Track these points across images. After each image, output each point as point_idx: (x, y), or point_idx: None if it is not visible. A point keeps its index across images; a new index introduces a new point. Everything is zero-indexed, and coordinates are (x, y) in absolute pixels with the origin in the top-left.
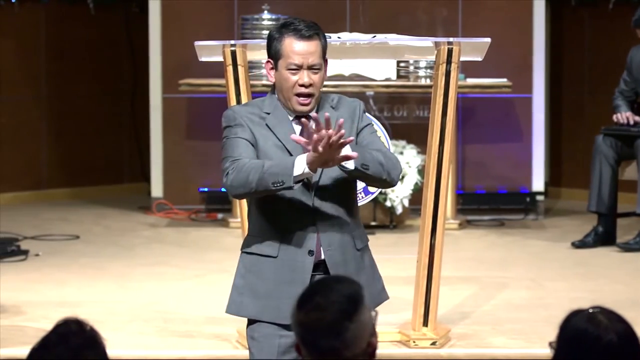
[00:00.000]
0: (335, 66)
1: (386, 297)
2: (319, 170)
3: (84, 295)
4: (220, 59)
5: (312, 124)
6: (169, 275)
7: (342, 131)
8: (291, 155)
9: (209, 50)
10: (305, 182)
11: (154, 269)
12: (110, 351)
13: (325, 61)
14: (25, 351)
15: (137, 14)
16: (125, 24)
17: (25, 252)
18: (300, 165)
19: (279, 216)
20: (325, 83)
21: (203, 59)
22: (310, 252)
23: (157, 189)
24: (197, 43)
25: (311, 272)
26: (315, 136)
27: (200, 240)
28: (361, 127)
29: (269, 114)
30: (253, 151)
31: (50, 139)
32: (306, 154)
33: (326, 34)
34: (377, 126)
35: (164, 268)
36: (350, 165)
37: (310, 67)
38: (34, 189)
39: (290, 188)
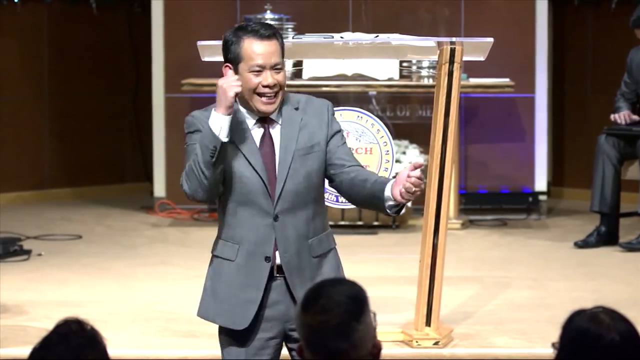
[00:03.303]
0: (337, 66)
1: None
2: (282, 178)
3: (86, 295)
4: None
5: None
6: (171, 275)
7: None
8: (249, 162)
9: (212, 50)
10: (268, 190)
11: (157, 268)
12: (112, 351)
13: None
14: (27, 351)
15: (139, 13)
16: (127, 24)
17: (28, 252)
18: (214, 121)
19: (240, 220)
20: (328, 82)
21: (206, 58)
22: (267, 258)
23: (159, 188)
24: (200, 43)
25: (267, 278)
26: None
27: (203, 240)
28: (331, 133)
29: None
30: None
31: (52, 139)
32: (213, 110)
33: (328, 34)
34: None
35: (167, 268)
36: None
37: (272, 67)
38: (36, 188)
39: (221, 144)
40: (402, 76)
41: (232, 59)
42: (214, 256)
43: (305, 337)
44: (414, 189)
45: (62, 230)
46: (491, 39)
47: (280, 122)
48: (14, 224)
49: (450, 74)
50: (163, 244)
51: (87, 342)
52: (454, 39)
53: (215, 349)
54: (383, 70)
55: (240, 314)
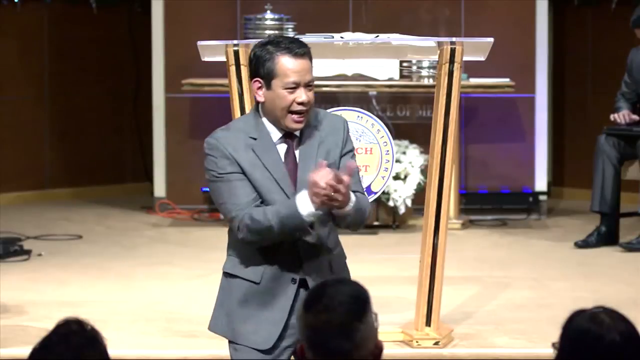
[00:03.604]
0: (338, 66)
1: None
2: None
3: (86, 295)
4: (223, 58)
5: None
6: (171, 275)
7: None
8: (278, 183)
9: (212, 50)
10: None
11: (157, 268)
12: (113, 351)
13: None
14: (27, 351)
15: (139, 13)
16: (128, 24)
17: (28, 252)
18: (305, 208)
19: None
20: (329, 83)
21: (206, 58)
22: (293, 280)
23: (159, 188)
24: (200, 43)
25: (292, 299)
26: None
27: (203, 240)
28: (345, 151)
29: (255, 139)
30: (249, 186)
31: (53, 139)
32: (307, 196)
33: (329, 34)
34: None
35: (167, 268)
36: (349, 207)
37: (306, 85)
38: (36, 188)
39: (312, 228)
40: (402, 76)
41: (265, 74)
42: (230, 275)
43: (307, 336)
44: (323, 193)
45: (62, 230)
46: (491, 39)
47: (300, 138)
48: (14, 224)
49: (451, 74)
50: (163, 244)
51: (87, 342)
52: (454, 39)
53: (216, 349)
54: (383, 70)
55: (264, 335)
